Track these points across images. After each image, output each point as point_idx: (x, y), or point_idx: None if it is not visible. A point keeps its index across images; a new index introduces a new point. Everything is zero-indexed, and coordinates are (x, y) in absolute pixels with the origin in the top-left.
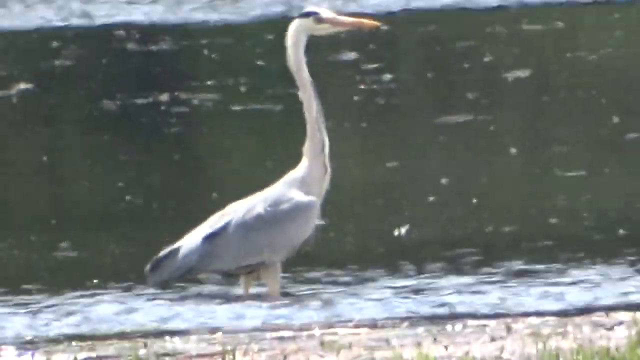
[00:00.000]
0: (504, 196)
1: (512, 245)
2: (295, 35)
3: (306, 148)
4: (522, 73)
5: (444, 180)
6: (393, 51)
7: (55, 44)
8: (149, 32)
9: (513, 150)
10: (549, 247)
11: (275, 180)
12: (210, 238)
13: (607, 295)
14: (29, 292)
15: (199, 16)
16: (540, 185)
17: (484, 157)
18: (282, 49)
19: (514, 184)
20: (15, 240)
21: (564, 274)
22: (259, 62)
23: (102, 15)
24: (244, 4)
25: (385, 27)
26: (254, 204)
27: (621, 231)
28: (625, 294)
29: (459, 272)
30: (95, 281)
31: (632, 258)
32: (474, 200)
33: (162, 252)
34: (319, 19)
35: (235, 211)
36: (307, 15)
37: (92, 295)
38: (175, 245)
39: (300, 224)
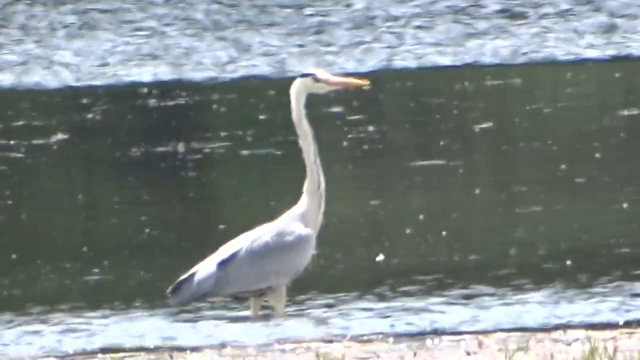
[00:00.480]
0: (472, 229)
1: (480, 271)
2: (297, 93)
3: (306, 187)
4: (487, 124)
5: (420, 216)
6: (374, 105)
7: (84, 100)
8: (165, 89)
9: (479, 190)
10: (512, 272)
11: (278, 215)
12: (223, 265)
13: (564, 314)
14: (63, 311)
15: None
16: (502, 220)
17: (454, 196)
18: (279, 104)
19: (480, 219)
20: (52, 267)
21: (526, 295)
22: (261, 116)
23: (122, 74)
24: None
25: (367, 85)
26: (261, 235)
27: (574, 259)
28: (580, 313)
29: (436, 294)
30: (122, 302)
31: (584, 282)
32: (446, 233)
33: (182, 277)
34: (316, 79)
35: (245, 241)
36: (307, 75)
37: (120, 315)
38: (193, 271)
39: (302, 253)
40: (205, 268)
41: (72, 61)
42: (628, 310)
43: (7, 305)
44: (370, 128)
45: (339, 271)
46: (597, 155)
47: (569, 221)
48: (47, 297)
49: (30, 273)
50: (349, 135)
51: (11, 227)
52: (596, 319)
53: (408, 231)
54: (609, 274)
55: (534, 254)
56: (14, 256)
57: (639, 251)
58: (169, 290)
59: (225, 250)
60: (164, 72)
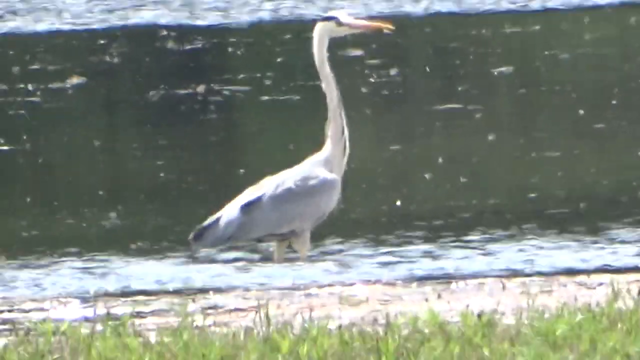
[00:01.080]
0: (491, 174)
1: (500, 216)
2: (319, 36)
3: (329, 132)
4: (506, 69)
5: (440, 161)
6: (394, 50)
7: (100, 42)
8: (183, 32)
9: (498, 135)
10: (532, 217)
11: (301, 159)
12: (247, 209)
13: (590, 259)
14: (92, 255)
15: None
16: (521, 165)
17: (472, 140)
18: (296, 47)
19: (499, 163)
20: (72, 210)
21: (550, 240)
22: (279, 59)
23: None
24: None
25: (389, 29)
26: (286, 179)
27: (593, 204)
28: (605, 256)
29: (457, 239)
30: (142, 246)
31: (604, 227)
32: (466, 178)
33: (205, 222)
34: (339, 23)
35: (268, 185)
36: (329, 19)
37: (146, 259)
38: (216, 216)
39: (327, 198)
40: (228, 213)
41: (83, 5)
42: None
43: (28, 247)
44: (389, 72)
45: (363, 216)
46: (614, 102)
47: (588, 166)
48: (68, 239)
49: (50, 216)
50: (370, 80)
51: (31, 171)
52: (618, 264)
53: (428, 176)
54: (629, 219)
55: (553, 199)
56: (33, 199)
57: None
58: (190, 236)
59: (249, 195)
60: (177, 16)
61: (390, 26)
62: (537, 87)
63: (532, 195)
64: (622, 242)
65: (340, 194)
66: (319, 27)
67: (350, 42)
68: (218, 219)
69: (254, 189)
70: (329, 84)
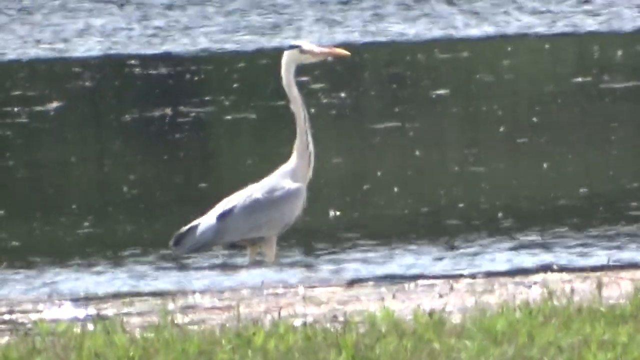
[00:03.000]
0: (431, 183)
1: (448, 223)
2: (286, 64)
3: (296, 146)
4: (442, 91)
5: (378, 173)
6: (336, 75)
7: (75, 70)
8: (148, 60)
9: (434, 148)
10: (477, 223)
11: (269, 172)
12: (222, 217)
13: (524, 261)
14: (81, 259)
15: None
16: (457, 175)
17: (409, 154)
18: (246, 74)
19: (439, 174)
20: (65, 220)
21: (491, 245)
22: (235, 85)
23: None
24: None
25: (348, 55)
26: (254, 191)
27: (529, 211)
28: (539, 259)
29: (411, 243)
30: (131, 253)
31: (544, 231)
32: (418, 187)
33: (183, 229)
34: (302, 50)
35: (240, 196)
36: (293, 47)
37: (131, 264)
38: (193, 224)
39: (291, 206)
40: (206, 221)
41: (59, 36)
42: (582, 256)
43: (24, 253)
44: (334, 95)
45: (323, 222)
46: (535, 119)
47: (511, 176)
48: (60, 247)
49: (44, 225)
50: (316, 101)
51: (24, 184)
52: (553, 264)
53: (376, 185)
54: (562, 224)
55: (493, 207)
56: (30, 210)
57: (582, 204)
58: (171, 242)
59: (223, 205)
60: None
61: (347, 53)
62: (467, 108)
63: (475, 203)
64: (556, 245)
65: (304, 201)
66: (285, 55)
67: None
68: (195, 227)
69: (229, 199)
70: (296, 104)
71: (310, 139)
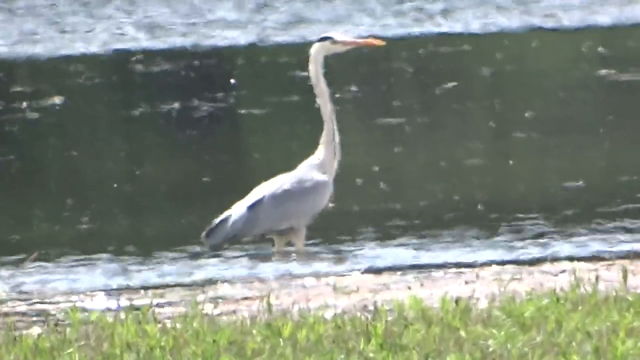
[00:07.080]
0: (456, 173)
1: (477, 212)
2: (315, 55)
3: (322, 139)
4: (448, 85)
5: (407, 164)
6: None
7: (76, 67)
8: (151, 56)
9: (461, 143)
10: (506, 214)
11: (296, 165)
12: (252, 209)
13: (553, 248)
14: (115, 254)
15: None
16: (478, 167)
17: (436, 147)
18: (260, 69)
19: (459, 166)
20: (93, 213)
21: (519, 234)
22: (232, 80)
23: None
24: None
25: (382, 45)
26: (284, 182)
27: (555, 203)
28: (567, 247)
29: (439, 233)
30: (162, 245)
31: (569, 222)
32: (446, 180)
33: (214, 221)
34: (334, 41)
35: (270, 187)
36: (325, 39)
37: (162, 256)
38: (224, 216)
39: (319, 197)
40: (235, 213)
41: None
42: (608, 245)
43: (58, 248)
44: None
45: (350, 214)
46: (528, 114)
47: (556, 168)
48: (94, 241)
49: (76, 220)
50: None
51: (55, 179)
52: (579, 254)
53: (405, 177)
54: (588, 215)
55: (519, 199)
56: (62, 204)
57: (607, 194)
58: (203, 234)
59: (253, 196)
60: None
61: (381, 42)
62: (467, 102)
63: (503, 194)
64: (581, 235)
65: (332, 193)
66: (315, 47)
67: (299, 65)
68: (226, 218)
69: (258, 190)
70: (323, 98)
71: (336, 130)
